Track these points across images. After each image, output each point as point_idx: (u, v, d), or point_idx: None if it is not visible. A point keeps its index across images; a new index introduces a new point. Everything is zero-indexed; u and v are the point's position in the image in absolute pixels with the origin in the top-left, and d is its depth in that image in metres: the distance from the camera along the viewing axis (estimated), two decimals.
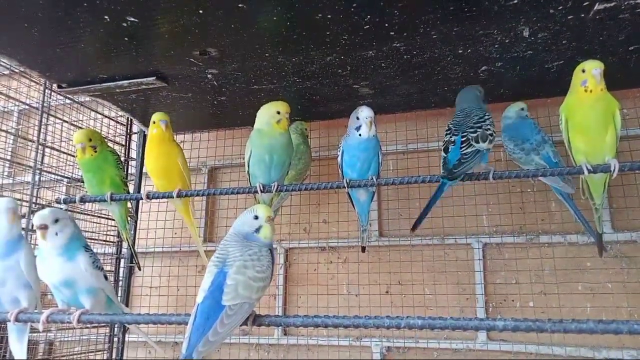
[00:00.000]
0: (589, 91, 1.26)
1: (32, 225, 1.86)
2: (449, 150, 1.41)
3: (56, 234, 1.28)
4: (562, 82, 1.40)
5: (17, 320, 1.27)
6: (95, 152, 1.65)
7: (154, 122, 1.64)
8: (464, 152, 1.36)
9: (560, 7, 1.17)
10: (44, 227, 1.27)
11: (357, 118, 1.47)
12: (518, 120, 1.61)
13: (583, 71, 1.28)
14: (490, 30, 1.29)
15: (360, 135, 1.47)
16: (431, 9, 1.18)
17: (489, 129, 1.40)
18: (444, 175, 1.37)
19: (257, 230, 1.22)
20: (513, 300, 1.82)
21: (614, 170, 1.25)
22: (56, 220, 1.29)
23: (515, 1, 1.14)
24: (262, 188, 1.53)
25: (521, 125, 1.59)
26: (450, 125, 1.47)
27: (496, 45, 1.37)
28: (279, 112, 1.52)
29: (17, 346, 1.42)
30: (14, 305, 1.33)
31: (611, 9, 1.18)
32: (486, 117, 1.42)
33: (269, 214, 1.23)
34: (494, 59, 1.46)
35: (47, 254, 1.29)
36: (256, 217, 1.23)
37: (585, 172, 1.27)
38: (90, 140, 1.64)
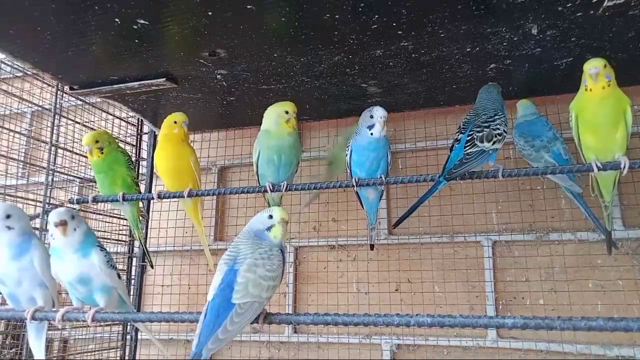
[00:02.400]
0: (588, 90, 1.27)
1: (46, 225, 1.90)
2: (454, 148, 1.41)
3: (74, 229, 1.31)
4: (571, 79, 1.39)
5: (33, 318, 1.30)
6: (102, 153, 1.67)
7: (176, 122, 1.66)
8: (467, 152, 1.35)
9: (569, 5, 1.17)
10: (64, 223, 1.29)
11: (371, 117, 1.47)
12: (530, 117, 1.60)
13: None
14: (498, 28, 1.28)
15: (372, 134, 1.47)
16: (439, 8, 1.19)
17: (498, 128, 1.38)
18: (442, 175, 1.38)
19: (269, 228, 1.23)
20: (523, 298, 1.82)
21: (624, 167, 1.24)
22: (73, 217, 1.32)
23: None
24: (271, 187, 1.55)
25: (533, 122, 1.59)
26: (461, 123, 1.46)
27: (504, 43, 1.37)
28: (287, 112, 1.54)
29: (36, 344, 1.46)
30: (31, 304, 1.36)
31: (620, 6, 1.17)
32: (497, 117, 1.40)
33: (283, 215, 1.23)
34: (502, 56, 1.45)
35: (62, 251, 1.31)
36: (270, 217, 1.24)
37: (595, 169, 1.27)
38: (97, 142, 1.66)
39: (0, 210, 1.36)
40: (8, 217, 1.37)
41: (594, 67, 1.25)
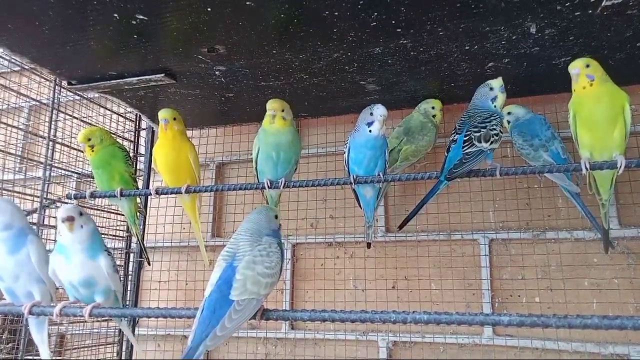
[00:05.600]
0: (575, 90, 1.31)
1: (44, 220, 1.90)
2: (450, 149, 1.42)
3: (81, 226, 1.31)
4: (569, 78, 1.39)
5: (30, 313, 1.30)
6: (93, 151, 1.68)
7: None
8: (466, 151, 1.36)
9: (568, 4, 1.17)
10: (71, 219, 1.28)
11: (371, 114, 1.47)
12: (527, 116, 1.61)
13: None
14: (497, 26, 1.29)
15: (370, 131, 1.46)
16: (438, 6, 1.19)
17: (495, 128, 1.39)
18: (442, 175, 1.38)
19: (279, 228, 1.33)
20: (519, 296, 1.83)
21: (620, 167, 1.24)
22: (81, 214, 1.32)
23: None
24: (269, 184, 1.55)
25: (531, 120, 1.59)
26: (457, 124, 1.47)
27: (503, 42, 1.37)
28: (268, 109, 1.55)
29: (38, 337, 1.47)
30: (29, 299, 1.36)
31: (618, 5, 1.17)
32: (493, 117, 1.41)
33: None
34: (500, 55, 1.46)
35: (69, 250, 1.30)
36: (276, 217, 1.34)
37: (584, 169, 1.27)
38: (89, 140, 1.67)
39: None
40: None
41: (575, 68, 1.29)
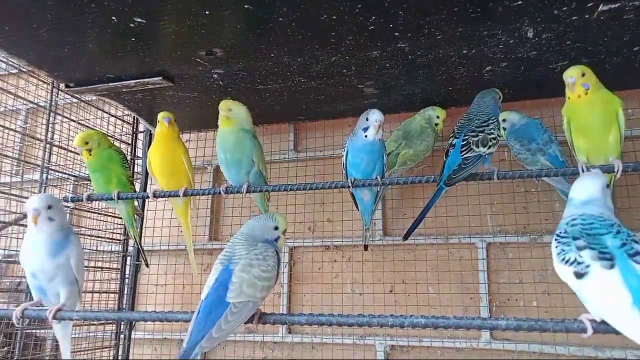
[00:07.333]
0: (569, 97, 1.32)
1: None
2: (449, 153, 1.42)
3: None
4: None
5: (55, 317, 1.28)
6: (90, 154, 1.67)
7: (159, 121, 1.68)
8: (465, 156, 1.36)
9: (565, 8, 1.18)
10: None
11: (367, 119, 1.47)
12: (523, 120, 1.62)
13: None
14: (494, 31, 1.29)
15: (366, 136, 1.47)
16: (436, 10, 1.19)
17: (492, 132, 1.40)
18: (442, 181, 1.38)
19: (276, 239, 1.29)
20: (517, 300, 1.83)
21: (617, 170, 1.25)
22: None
23: (520, 2, 1.15)
24: (224, 190, 1.57)
25: (528, 125, 1.60)
26: (455, 128, 1.47)
27: (500, 46, 1.37)
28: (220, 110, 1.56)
29: (61, 333, 1.47)
30: (56, 299, 1.34)
31: (616, 10, 1.18)
32: (490, 121, 1.42)
33: (286, 227, 1.32)
34: (498, 59, 1.46)
35: None
36: (276, 228, 1.29)
37: (581, 173, 1.27)
38: (86, 143, 1.66)
39: (42, 200, 1.32)
40: (49, 207, 1.32)
41: (570, 77, 1.29)
